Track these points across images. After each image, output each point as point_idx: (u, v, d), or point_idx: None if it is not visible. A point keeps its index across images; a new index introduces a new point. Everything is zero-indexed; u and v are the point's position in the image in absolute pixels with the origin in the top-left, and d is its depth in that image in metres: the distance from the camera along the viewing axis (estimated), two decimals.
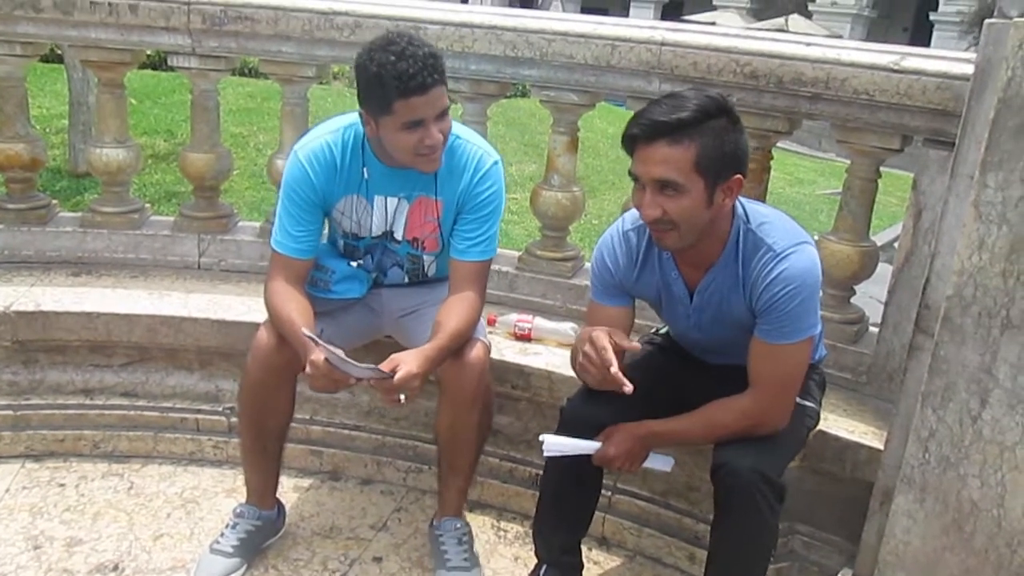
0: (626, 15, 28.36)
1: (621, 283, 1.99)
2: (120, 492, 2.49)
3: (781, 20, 20.66)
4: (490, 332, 2.42)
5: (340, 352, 1.87)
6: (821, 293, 1.97)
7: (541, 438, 1.93)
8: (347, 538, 2.38)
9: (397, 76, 1.86)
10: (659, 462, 1.99)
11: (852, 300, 2.55)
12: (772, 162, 2.52)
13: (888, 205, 9.10)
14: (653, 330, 2.28)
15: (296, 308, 2.03)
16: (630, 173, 1.79)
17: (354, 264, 2.24)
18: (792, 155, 14.20)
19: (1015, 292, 1.61)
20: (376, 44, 1.92)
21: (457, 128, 2.10)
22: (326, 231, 2.29)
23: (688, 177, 1.71)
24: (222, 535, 2.21)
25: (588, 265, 2.88)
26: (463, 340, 2.05)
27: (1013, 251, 1.60)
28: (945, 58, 2.15)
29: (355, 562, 2.29)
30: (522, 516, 2.49)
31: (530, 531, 2.16)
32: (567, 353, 2.18)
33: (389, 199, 2.14)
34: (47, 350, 2.63)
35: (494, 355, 2.25)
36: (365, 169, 2.10)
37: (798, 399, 1.93)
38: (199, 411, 2.68)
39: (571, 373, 2.01)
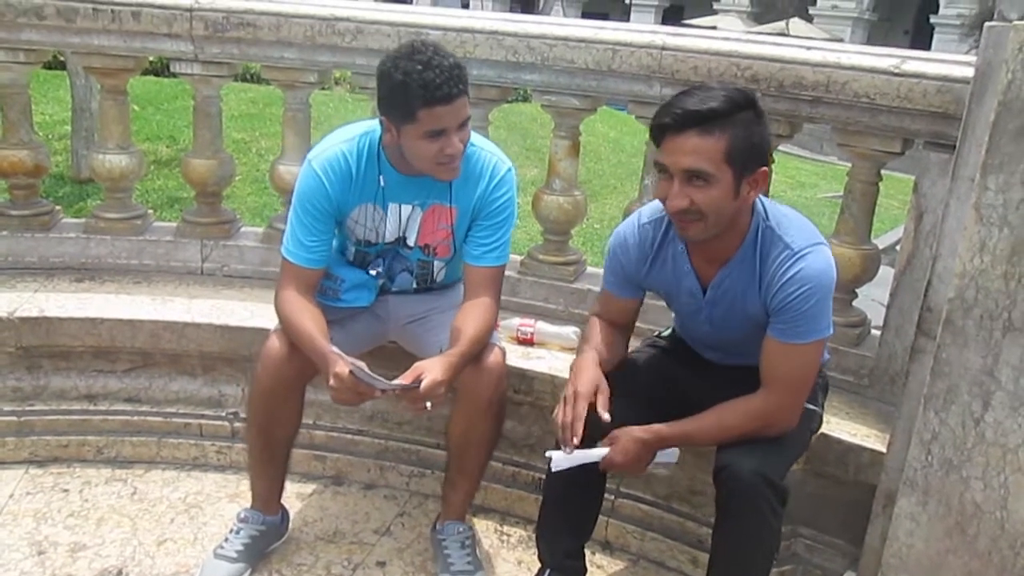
0: (627, 19, 28.38)
1: (633, 275, 1.99)
2: (124, 497, 2.50)
3: (782, 24, 20.72)
4: None
5: (363, 365, 1.87)
6: None
7: (548, 455, 1.89)
8: (351, 543, 2.38)
9: (423, 85, 1.86)
10: (665, 455, 1.95)
11: (854, 303, 2.55)
12: (773, 166, 2.52)
13: (889, 208, 9.11)
14: (656, 333, 2.28)
15: (311, 319, 2.03)
16: (656, 163, 1.79)
17: (372, 273, 2.22)
18: (793, 158, 14.22)
19: (1016, 294, 1.61)
20: (402, 52, 1.92)
21: (471, 136, 2.11)
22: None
23: (719, 167, 1.71)
24: (226, 540, 2.21)
25: (590, 269, 2.90)
26: (482, 345, 2.06)
27: (1014, 253, 1.60)
28: (945, 61, 2.16)
29: (359, 567, 2.29)
30: (525, 520, 2.48)
31: (533, 535, 2.16)
32: (569, 357, 2.18)
33: (403, 206, 2.14)
34: (51, 356, 2.64)
35: None
36: (381, 177, 2.09)
37: None
38: (202, 416, 2.68)
39: None
